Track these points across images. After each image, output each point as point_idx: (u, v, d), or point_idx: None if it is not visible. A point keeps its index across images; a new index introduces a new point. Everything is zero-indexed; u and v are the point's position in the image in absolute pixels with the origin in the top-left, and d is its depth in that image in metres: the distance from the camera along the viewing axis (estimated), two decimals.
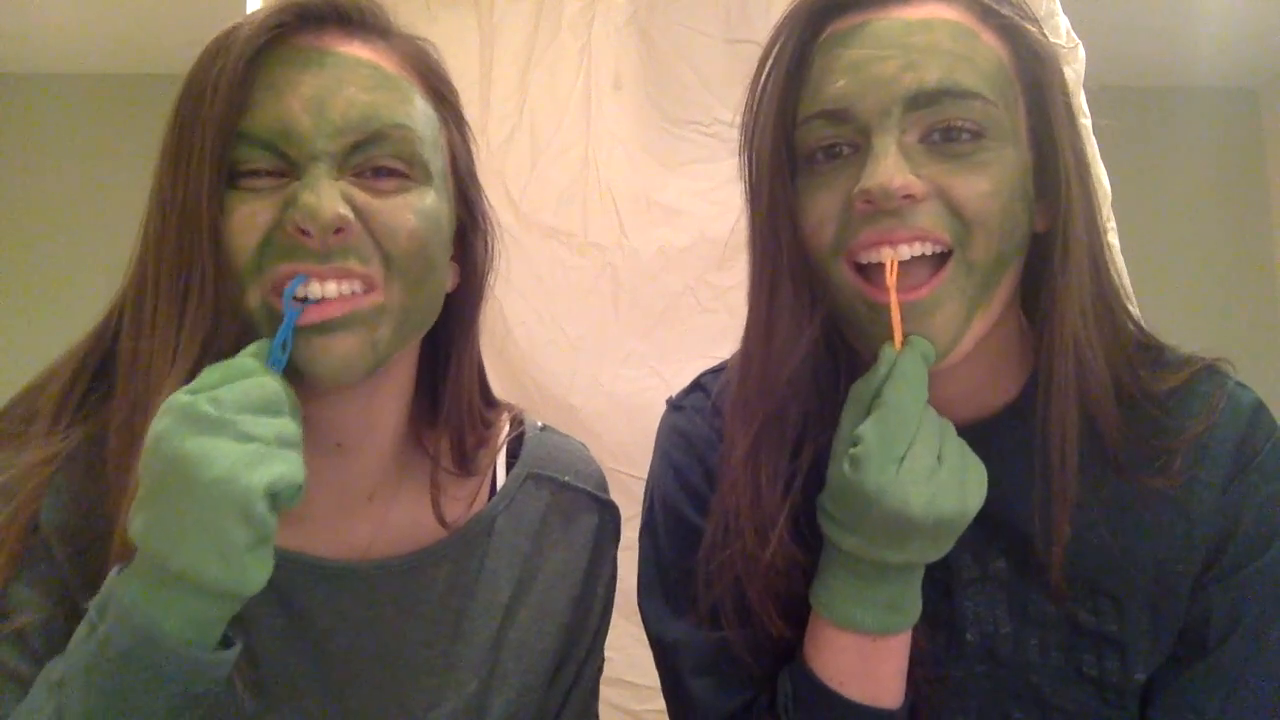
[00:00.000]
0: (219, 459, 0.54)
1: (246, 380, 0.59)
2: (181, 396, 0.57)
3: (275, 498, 0.56)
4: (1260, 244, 3.50)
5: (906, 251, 0.67)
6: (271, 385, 0.60)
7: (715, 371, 0.88)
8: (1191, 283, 3.14)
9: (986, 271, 0.69)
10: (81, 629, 0.57)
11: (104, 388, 0.69)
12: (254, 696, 0.68)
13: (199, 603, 0.56)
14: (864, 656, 0.70)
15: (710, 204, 1.54)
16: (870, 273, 0.69)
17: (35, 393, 0.70)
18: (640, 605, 0.83)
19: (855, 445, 0.66)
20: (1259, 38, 3.10)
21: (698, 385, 0.88)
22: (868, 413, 0.67)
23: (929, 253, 0.68)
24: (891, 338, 0.68)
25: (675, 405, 0.88)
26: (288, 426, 0.59)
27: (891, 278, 0.67)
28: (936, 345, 0.68)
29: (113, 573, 0.58)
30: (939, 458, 0.66)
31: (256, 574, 0.57)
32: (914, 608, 0.70)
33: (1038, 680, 0.74)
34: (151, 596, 0.55)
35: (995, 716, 0.75)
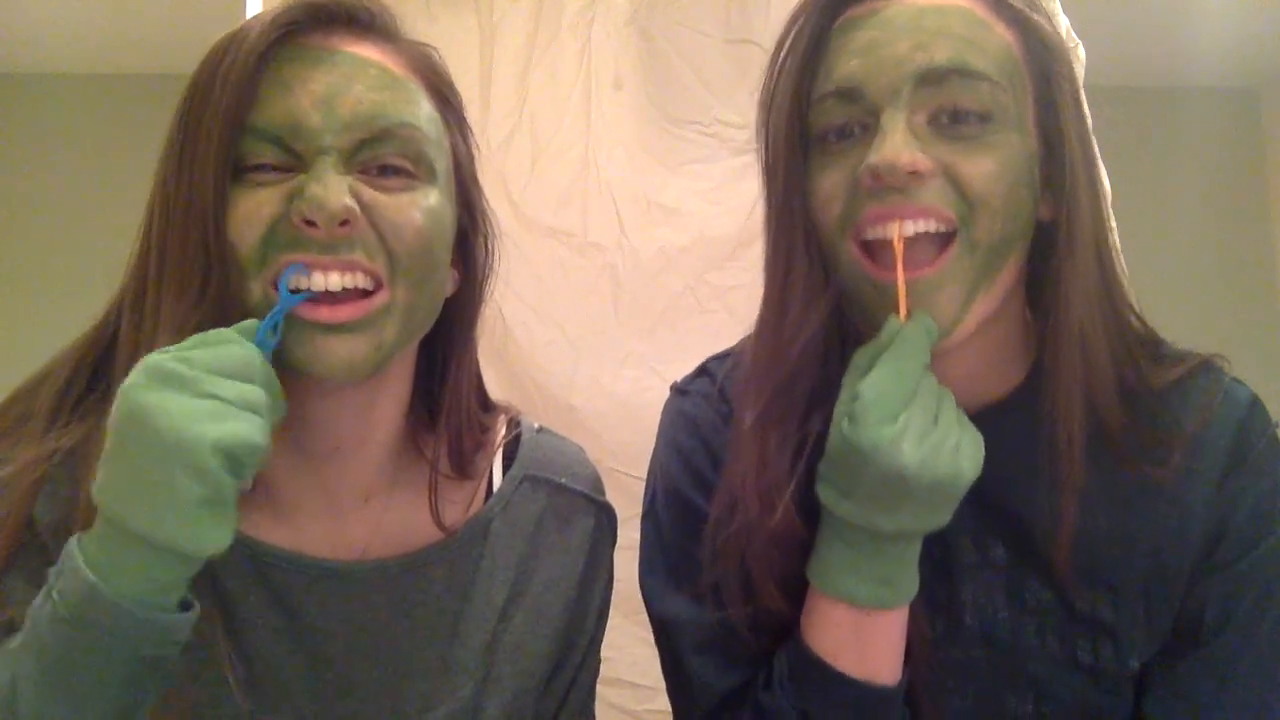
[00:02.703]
0: (173, 411, 0.53)
1: (221, 345, 0.59)
2: (155, 355, 0.57)
3: (231, 458, 0.55)
4: (1260, 244, 3.50)
5: (911, 228, 0.68)
6: (245, 353, 0.59)
7: (721, 357, 0.88)
8: (1191, 283, 3.13)
9: (990, 253, 0.69)
10: (40, 595, 0.56)
11: (102, 386, 0.69)
12: (248, 696, 0.67)
13: (151, 560, 0.54)
14: (857, 630, 0.70)
15: (710, 204, 1.53)
16: (875, 251, 0.70)
17: (31, 391, 0.70)
18: (642, 584, 0.83)
19: (853, 402, 0.66)
20: (1259, 38, 3.10)
21: (703, 370, 0.88)
22: None
23: (934, 230, 0.69)
24: (896, 314, 0.68)
25: (680, 390, 0.88)
26: (254, 392, 0.58)
27: (899, 244, 0.68)
28: (938, 323, 0.69)
29: (74, 537, 0.57)
30: (935, 421, 0.66)
31: (210, 535, 0.55)
32: (908, 584, 0.70)
33: (1034, 666, 0.75)
34: (104, 553, 0.55)
35: (991, 701, 0.76)
